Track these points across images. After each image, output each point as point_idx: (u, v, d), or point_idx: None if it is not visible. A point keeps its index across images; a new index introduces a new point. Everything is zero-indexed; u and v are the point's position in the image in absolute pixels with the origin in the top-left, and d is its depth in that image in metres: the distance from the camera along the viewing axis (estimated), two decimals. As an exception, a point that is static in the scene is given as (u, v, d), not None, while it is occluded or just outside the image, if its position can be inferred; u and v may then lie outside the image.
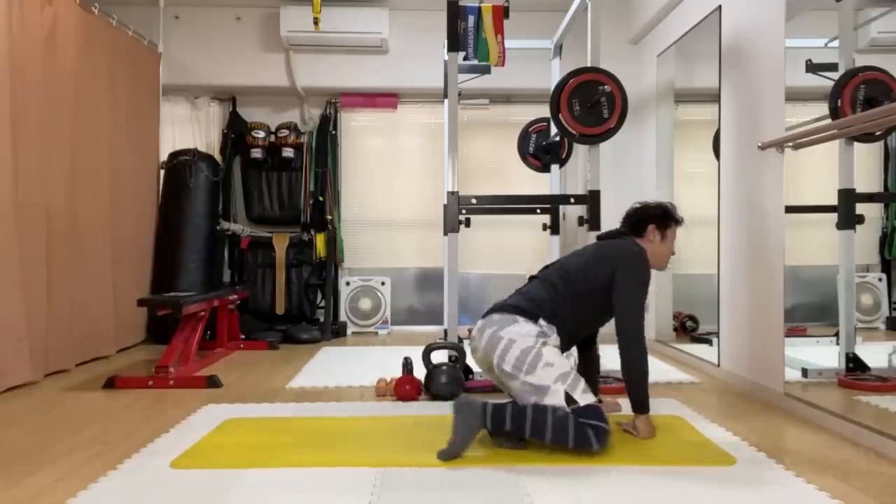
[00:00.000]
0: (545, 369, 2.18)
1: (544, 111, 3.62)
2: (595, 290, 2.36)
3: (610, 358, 3.86)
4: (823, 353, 2.81)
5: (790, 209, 2.84)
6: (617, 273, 2.34)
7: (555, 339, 2.30)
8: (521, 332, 2.25)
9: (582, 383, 2.20)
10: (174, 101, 5.24)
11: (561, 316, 2.34)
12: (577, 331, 2.41)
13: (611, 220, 4.83)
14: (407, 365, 3.00)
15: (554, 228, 4.57)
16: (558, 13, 4.20)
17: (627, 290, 2.31)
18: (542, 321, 2.30)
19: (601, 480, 1.92)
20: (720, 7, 3.49)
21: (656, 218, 2.47)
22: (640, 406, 2.33)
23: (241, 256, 5.16)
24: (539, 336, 2.25)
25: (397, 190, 5.46)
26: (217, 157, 5.19)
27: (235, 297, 4.40)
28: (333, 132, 5.32)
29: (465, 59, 3.70)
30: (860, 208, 2.69)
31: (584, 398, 2.16)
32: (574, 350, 2.69)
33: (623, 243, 2.42)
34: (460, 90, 3.54)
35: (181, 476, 1.98)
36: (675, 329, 4.27)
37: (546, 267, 2.53)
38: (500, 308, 2.37)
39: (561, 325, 2.34)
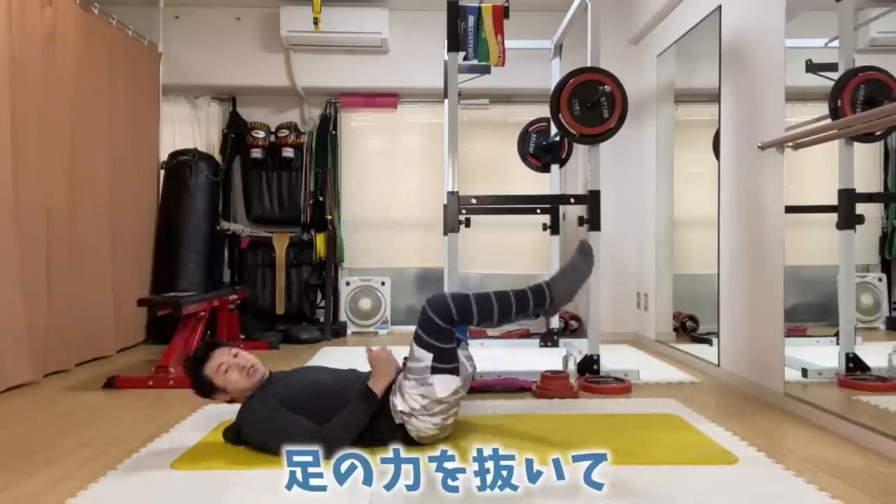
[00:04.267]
0: None
1: (544, 111, 3.62)
2: None
3: (610, 358, 3.87)
4: (823, 353, 2.81)
5: (790, 209, 2.83)
6: None
7: None
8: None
9: None
10: (174, 101, 5.23)
11: None
12: None
13: (611, 220, 4.84)
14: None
15: (554, 228, 4.57)
16: (558, 13, 4.19)
17: None
18: None
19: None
20: (720, 7, 3.49)
21: None
22: None
23: (241, 256, 5.16)
24: None
25: (397, 190, 5.46)
26: (217, 157, 5.19)
27: (235, 297, 4.40)
28: (333, 132, 5.31)
29: (465, 59, 3.69)
30: (860, 208, 2.69)
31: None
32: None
33: None
34: (460, 90, 3.53)
35: (181, 476, 1.98)
36: (675, 329, 4.27)
37: None
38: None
39: None
